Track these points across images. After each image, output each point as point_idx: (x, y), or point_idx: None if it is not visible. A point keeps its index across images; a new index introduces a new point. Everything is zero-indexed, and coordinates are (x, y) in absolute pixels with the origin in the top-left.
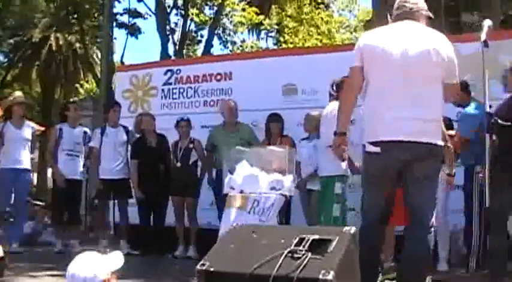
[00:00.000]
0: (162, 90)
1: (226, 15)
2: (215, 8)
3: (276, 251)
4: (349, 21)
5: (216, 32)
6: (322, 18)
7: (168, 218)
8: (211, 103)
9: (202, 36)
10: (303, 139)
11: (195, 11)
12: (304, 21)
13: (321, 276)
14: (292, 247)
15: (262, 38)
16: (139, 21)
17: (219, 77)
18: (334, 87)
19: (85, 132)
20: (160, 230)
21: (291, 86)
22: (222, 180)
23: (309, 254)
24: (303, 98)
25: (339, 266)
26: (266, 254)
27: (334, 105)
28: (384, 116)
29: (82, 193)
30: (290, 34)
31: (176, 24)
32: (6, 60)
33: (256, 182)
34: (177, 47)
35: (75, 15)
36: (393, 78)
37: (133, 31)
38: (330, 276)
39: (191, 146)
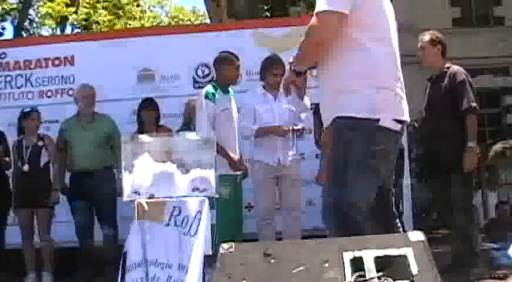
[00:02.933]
0: None
1: (32, 5)
2: None
3: None
4: (161, 18)
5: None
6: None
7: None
8: (49, 93)
9: (3, 28)
10: (181, 130)
11: None
12: (121, 13)
13: None
14: (352, 275)
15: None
16: None
17: (57, 61)
18: None
19: None
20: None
21: (148, 71)
22: (78, 186)
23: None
24: (162, 86)
25: None
26: None
27: None
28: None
29: None
30: (105, 28)
31: None
32: None
33: (171, 183)
34: None
35: None
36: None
37: None
38: None
39: (41, 143)
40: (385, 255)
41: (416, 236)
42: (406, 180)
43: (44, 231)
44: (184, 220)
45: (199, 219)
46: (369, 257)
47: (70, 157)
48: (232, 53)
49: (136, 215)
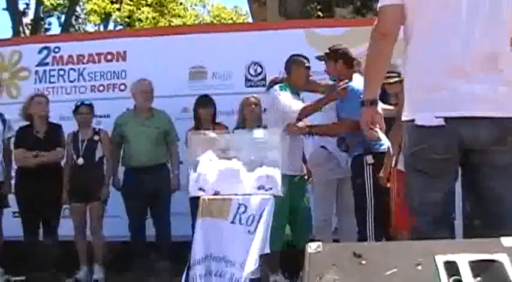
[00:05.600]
0: (36, 72)
1: (78, 1)
2: None
3: None
4: (203, 16)
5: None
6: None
7: (62, 229)
8: (101, 88)
9: (50, 23)
10: (237, 128)
11: None
12: (166, 11)
13: None
14: (448, 280)
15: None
16: None
17: (109, 56)
18: None
19: None
20: (53, 246)
21: (200, 68)
22: (134, 181)
23: None
24: (214, 83)
25: None
26: None
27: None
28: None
29: None
30: (148, 25)
31: (27, 5)
32: None
33: (237, 180)
34: (28, 33)
35: None
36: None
37: None
38: None
39: (96, 138)
40: (480, 260)
41: (509, 241)
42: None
43: (96, 225)
44: (249, 218)
45: (261, 217)
46: (462, 261)
47: (126, 152)
48: (302, 56)
49: (201, 212)
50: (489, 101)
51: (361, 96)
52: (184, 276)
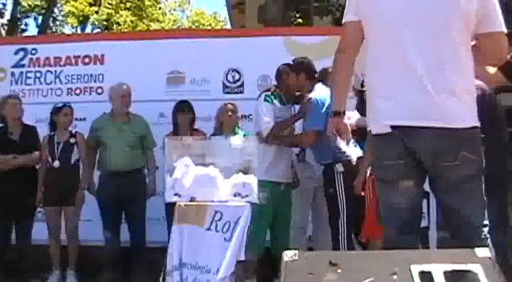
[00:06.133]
0: (12, 73)
1: (56, 3)
2: None
3: None
4: (181, 21)
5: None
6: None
7: (36, 233)
8: (77, 91)
9: (27, 24)
10: (214, 134)
11: None
12: (144, 15)
13: None
14: None
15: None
16: None
17: (87, 60)
18: None
19: None
20: (26, 250)
21: (178, 74)
22: (110, 186)
23: None
24: (192, 88)
25: None
26: None
27: None
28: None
29: None
30: (126, 29)
31: (4, 5)
32: None
33: (213, 187)
34: (4, 33)
35: None
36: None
37: None
38: None
39: (73, 140)
40: (454, 270)
41: (483, 252)
42: None
43: (71, 229)
44: (225, 225)
45: (236, 224)
46: (437, 271)
47: (102, 156)
48: (290, 64)
49: (176, 218)
50: (434, 111)
51: (324, 106)
52: None
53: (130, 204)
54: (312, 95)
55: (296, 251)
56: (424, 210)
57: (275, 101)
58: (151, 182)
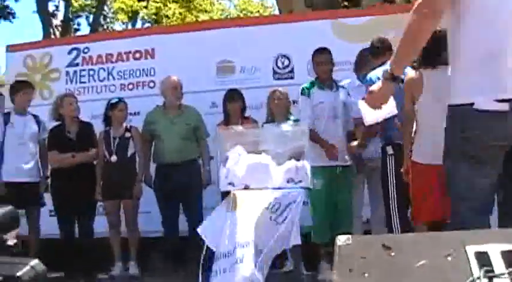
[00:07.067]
0: (67, 72)
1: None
2: None
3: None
4: (229, 10)
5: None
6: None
7: (97, 227)
8: (130, 86)
9: (79, 24)
10: (266, 122)
11: None
12: (192, 6)
13: None
14: (480, 271)
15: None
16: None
17: (138, 55)
18: None
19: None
20: (88, 243)
21: (227, 63)
22: (166, 178)
23: None
24: (242, 77)
25: None
26: None
27: None
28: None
29: None
30: (176, 21)
31: (57, 7)
32: None
33: (266, 174)
34: (58, 34)
35: None
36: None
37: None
38: None
39: (128, 135)
40: (511, 250)
41: None
42: None
43: (130, 221)
44: (279, 211)
45: (291, 209)
46: (494, 251)
47: (158, 149)
48: (320, 49)
49: (230, 206)
50: None
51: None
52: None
53: (187, 195)
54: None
55: (349, 236)
56: None
57: (312, 90)
58: (206, 172)
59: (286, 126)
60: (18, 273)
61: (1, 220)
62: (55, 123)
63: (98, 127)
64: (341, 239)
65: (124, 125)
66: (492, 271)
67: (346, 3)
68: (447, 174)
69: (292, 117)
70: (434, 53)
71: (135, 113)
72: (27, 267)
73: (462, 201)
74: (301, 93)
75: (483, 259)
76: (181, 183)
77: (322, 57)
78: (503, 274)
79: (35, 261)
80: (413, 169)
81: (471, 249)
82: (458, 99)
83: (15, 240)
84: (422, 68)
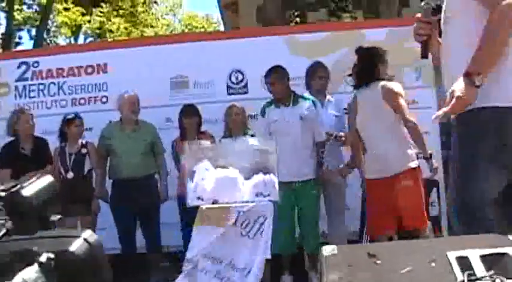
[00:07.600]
0: (16, 87)
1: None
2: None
3: None
4: (174, 25)
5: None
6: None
7: None
8: (82, 101)
9: (20, 37)
10: (224, 137)
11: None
12: (137, 21)
13: None
14: (463, 273)
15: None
16: None
17: (90, 69)
18: None
19: None
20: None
21: (181, 78)
22: (122, 193)
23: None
24: (196, 92)
25: None
26: None
27: None
28: None
29: None
30: (119, 36)
31: None
32: None
33: (234, 188)
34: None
35: None
36: None
37: None
38: None
39: (84, 150)
40: (490, 254)
41: None
42: None
43: None
44: (249, 225)
45: (261, 224)
46: (474, 256)
47: (114, 165)
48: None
49: (199, 221)
50: None
51: None
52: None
53: (144, 211)
54: None
55: (334, 246)
56: (435, 199)
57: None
58: (164, 187)
59: (254, 141)
60: (71, 248)
61: (43, 194)
62: (8, 139)
63: (51, 143)
64: (327, 250)
65: (80, 141)
66: (474, 274)
67: (297, 20)
68: (459, 179)
69: (249, 132)
70: (368, 70)
71: (87, 129)
72: (80, 240)
73: (485, 207)
74: (260, 112)
75: (464, 264)
76: (138, 199)
77: (273, 77)
78: (485, 277)
79: (88, 232)
80: (367, 186)
81: (452, 255)
82: (498, 102)
83: (58, 216)
84: (357, 89)
